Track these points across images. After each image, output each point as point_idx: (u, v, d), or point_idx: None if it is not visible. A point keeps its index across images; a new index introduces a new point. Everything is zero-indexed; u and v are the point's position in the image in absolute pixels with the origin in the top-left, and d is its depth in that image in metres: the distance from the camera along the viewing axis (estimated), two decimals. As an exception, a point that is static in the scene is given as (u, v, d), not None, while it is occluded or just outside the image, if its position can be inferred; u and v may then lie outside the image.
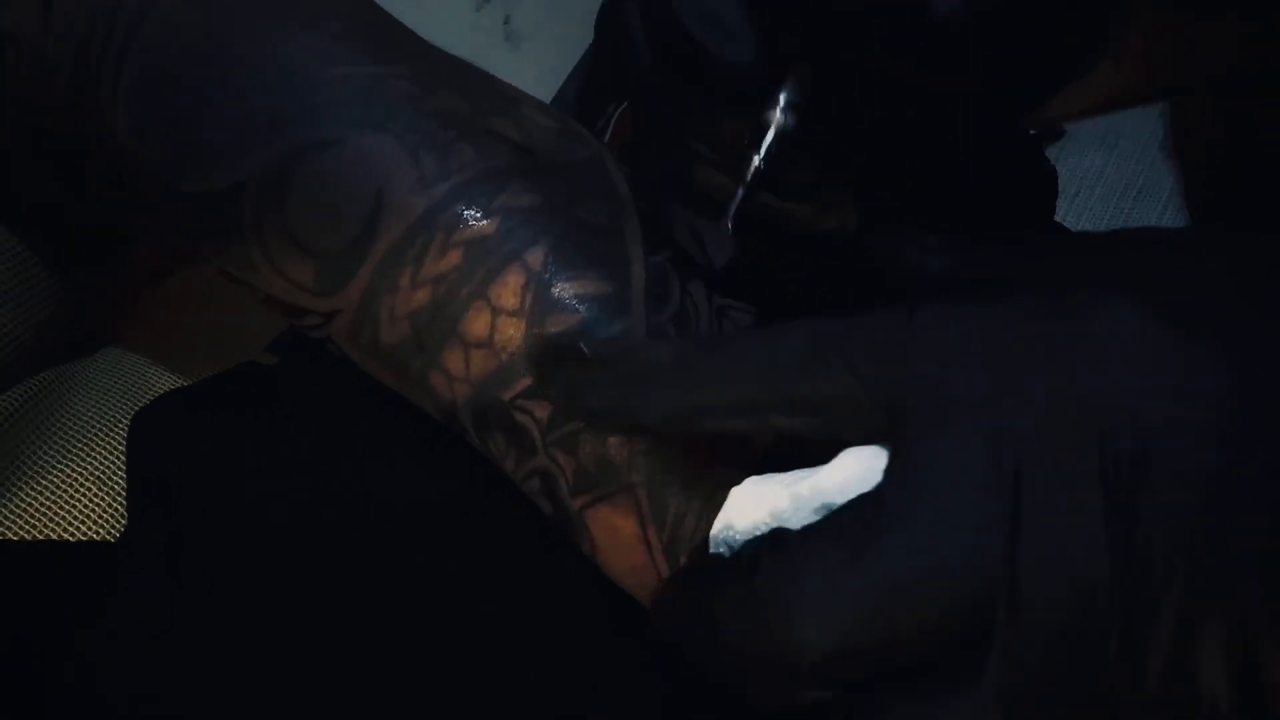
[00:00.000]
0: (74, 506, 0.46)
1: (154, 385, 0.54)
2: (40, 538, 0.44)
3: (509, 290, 0.33)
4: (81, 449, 0.49)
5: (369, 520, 0.38)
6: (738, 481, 0.28)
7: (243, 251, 0.36)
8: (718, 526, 0.27)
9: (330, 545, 0.38)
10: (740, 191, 0.34)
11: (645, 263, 0.34)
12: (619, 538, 0.32)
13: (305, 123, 0.35)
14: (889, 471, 0.25)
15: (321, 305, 0.35)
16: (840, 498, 0.26)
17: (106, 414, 0.52)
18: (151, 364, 0.55)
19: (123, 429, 0.51)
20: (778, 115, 0.33)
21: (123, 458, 0.49)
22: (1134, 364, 0.23)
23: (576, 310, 0.32)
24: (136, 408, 0.52)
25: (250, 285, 0.37)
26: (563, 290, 0.33)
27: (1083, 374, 0.23)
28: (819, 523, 0.25)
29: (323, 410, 0.41)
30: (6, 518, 0.44)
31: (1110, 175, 0.98)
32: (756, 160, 0.33)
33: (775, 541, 0.25)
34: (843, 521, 0.25)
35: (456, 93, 0.36)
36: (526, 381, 0.32)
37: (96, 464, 0.50)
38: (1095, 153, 0.99)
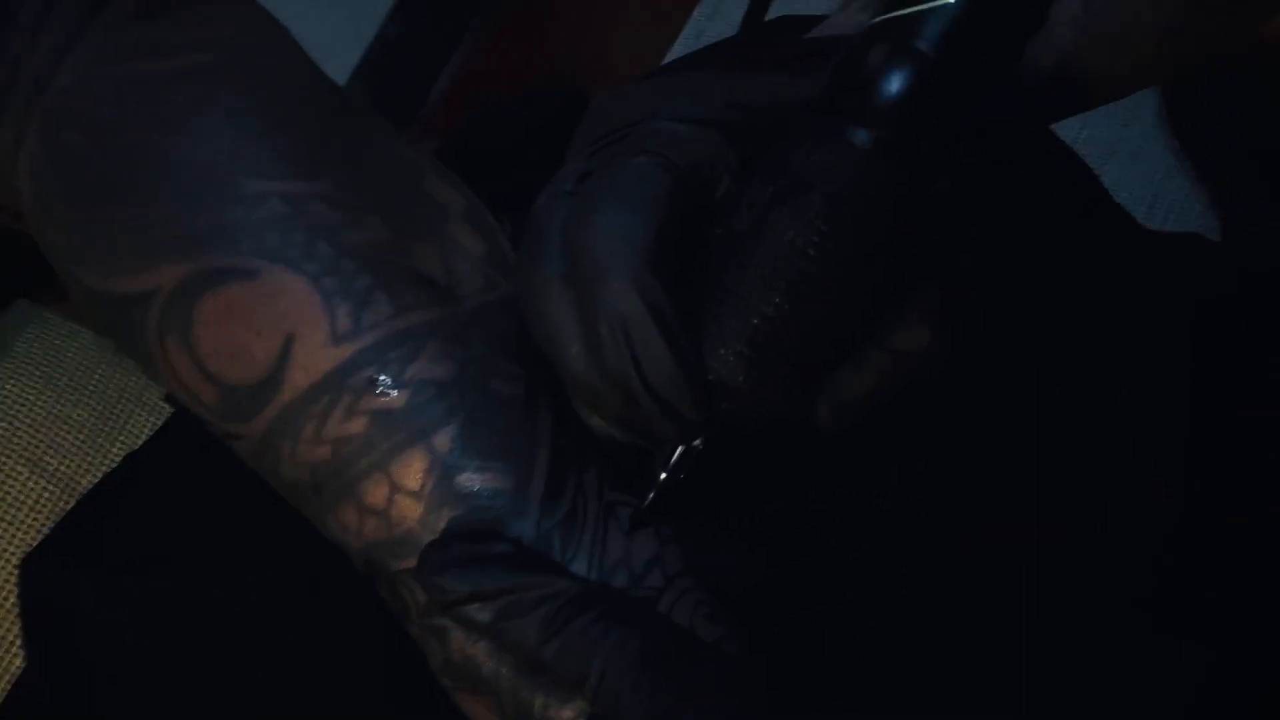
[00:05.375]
0: None
1: (69, 357, 0.52)
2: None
3: (411, 471, 0.33)
4: None
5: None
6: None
7: (145, 357, 0.35)
8: None
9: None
10: (646, 506, 0.32)
11: (551, 447, 0.34)
12: None
13: (221, 245, 0.34)
14: None
15: (223, 426, 0.35)
16: None
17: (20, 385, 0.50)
18: (66, 323, 0.54)
19: (43, 400, 0.50)
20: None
21: (42, 443, 0.48)
22: None
23: (477, 502, 0.33)
24: (51, 380, 0.51)
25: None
26: (466, 481, 0.33)
27: None
28: None
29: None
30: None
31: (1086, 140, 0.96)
32: (662, 477, 0.32)
33: None
34: None
35: (380, 215, 0.35)
36: (413, 562, 0.33)
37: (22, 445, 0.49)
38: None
